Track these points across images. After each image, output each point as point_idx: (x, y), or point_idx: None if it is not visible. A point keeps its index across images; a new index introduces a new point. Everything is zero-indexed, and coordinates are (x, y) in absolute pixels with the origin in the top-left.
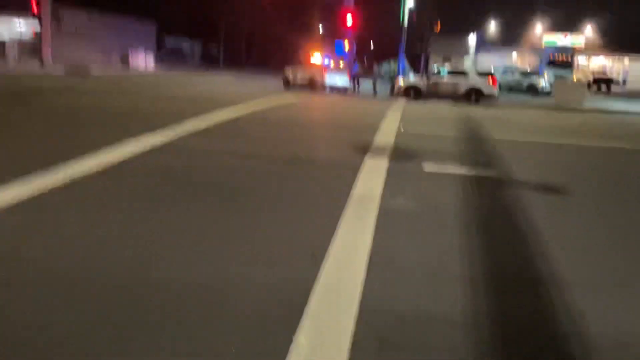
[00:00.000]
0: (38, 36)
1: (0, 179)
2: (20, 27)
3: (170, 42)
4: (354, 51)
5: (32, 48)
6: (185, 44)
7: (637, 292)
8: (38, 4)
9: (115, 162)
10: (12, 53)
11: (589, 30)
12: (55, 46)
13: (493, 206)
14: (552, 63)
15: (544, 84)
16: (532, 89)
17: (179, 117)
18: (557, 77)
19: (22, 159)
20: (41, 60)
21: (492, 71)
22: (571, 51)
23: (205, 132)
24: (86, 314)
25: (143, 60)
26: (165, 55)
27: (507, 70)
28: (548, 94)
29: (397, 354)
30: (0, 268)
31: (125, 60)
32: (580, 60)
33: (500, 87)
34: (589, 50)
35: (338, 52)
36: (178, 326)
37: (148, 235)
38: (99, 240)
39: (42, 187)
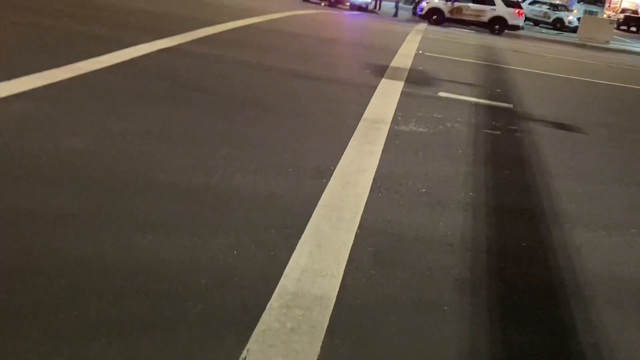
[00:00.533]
0: None
1: (13, 72)
2: None
3: None
4: None
5: None
6: None
7: (638, 230)
8: None
9: (125, 61)
10: None
11: None
12: None
13: (504, 137)
14: None
15: (572, 19)
16: (559, 24)
17: (192, 23)
18: (586, 13)
19: (36, 53)
20: None
21: (521, 1)
22: None
23: (218, 39)
24: (96, 209)
25: None
26: None
27: (535, 1)
28: (575, 29)
29: (392, 270)
30: (10, 155)
31: None
32: None
33: (525, 18)
34: None
35: None
36: (182, 226)
37: (153, 134)
38: (104, 135)
39: (53, 78)
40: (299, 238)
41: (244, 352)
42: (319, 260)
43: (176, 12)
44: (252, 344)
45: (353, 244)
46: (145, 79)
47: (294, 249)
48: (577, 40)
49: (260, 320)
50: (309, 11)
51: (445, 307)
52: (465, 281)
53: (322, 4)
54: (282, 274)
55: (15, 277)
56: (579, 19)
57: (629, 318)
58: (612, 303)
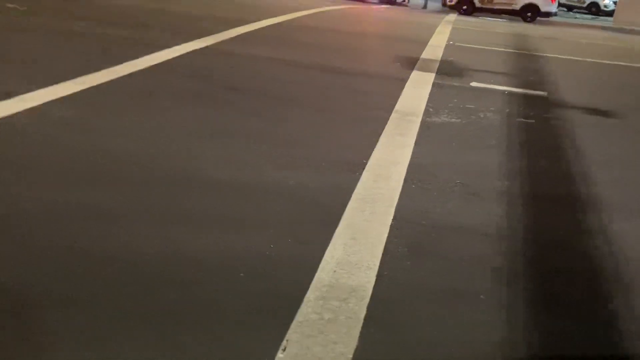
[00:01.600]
0: None
1: (56, 76)
2: None
3: None
4: None
5: None
6: None
7: None
8: None
9: (161, 62)
10: None
11: None
12: None
13: (539, 125)
14: None
15: (608, 2)
16: (594, 8)
17: (225, 23)
18: None
19: (73, 59)
20: None
21: None
22: None
23: (249, 38)
24: (136, 204)
25: None
26: None
27: None
28: (611, 13)
29: (427, 261)
30: (55, 156)
31: None
32: None
33: (558, 4)
34: None
35: None
36: (218, 220)
37: (189, 132)
38: (143, 135)
39: (92, 83)
40: (334, 231)
41: (284, 342)
42: (354, 253)
43: (206, 13)
44: (291, 334)
45: (388, 236)
46: (180, 79)
47: (329, 241)
48: (613, 25)
49: (299, 311)
50: (338, 7)
51: (481, 296)
52: (502, 270)
53: None
54: (318, 267)
55: (62, 270)
56: (615, 2)
57: None
58: None
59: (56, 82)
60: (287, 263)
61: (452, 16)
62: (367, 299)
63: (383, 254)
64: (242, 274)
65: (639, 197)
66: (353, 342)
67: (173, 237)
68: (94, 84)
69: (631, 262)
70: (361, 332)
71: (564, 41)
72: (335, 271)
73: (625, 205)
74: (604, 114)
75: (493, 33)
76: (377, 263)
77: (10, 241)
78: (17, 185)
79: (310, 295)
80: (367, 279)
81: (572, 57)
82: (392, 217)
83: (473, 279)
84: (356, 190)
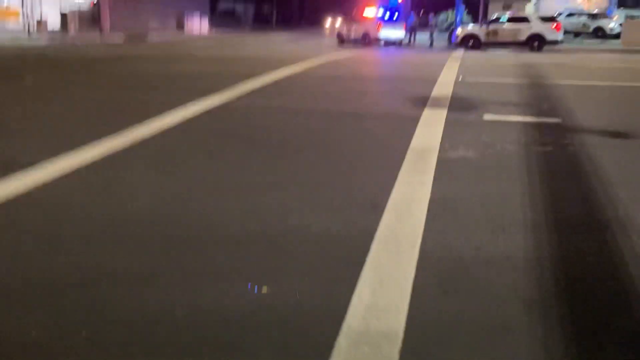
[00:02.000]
0: (97, 6)
1: (77, 142)
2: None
3: (223, 4)
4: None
5: (91, 18)
6: (239, 6)
7: None
8: None
9: (178, 122)
10: (73, 24)
11: None
12: (112, 15)
13: (556, 152)
14: (623, 2)
15: (613, 26)
16: (600, 32)
17: (236, 77)
18: (628, 18)
19: (92, 123)
20: (100, 29)
21: (556, 15)
22: None
23: (262, 90)
24: (159, 260)
25: (198, 24)
26: (219, 18)
27: (571, 13)
28: (618, 36)
29: (458, 298)
30: (83, 222)
31: (180, 25)
32: None
33: (564, 31)
34: None
35: (392, 3)
36: (244, 275)
37: (211, 188)
38: (166, 195)
39: (114, 147)
40: (360, 274)
41: None
42: (382, 296)
43: (217, 71)
44: None
45: (415, 275)
46: (198, 136)
47: (356, 285)
48: (621, 47)
49: (330, 359)
50: (345, 53)
51: (516, 330)
52: (534, 301)
53: (357, 44)
54: (346, 312)
55: (92, 338)
56: (620, 25)
57: None
58: None
59: (76, 148)
60: (315, 311)
61: (459, 52)
62: (400, 344)
63: (412, 295)
64: (270, 326)
65: None
66: None
67: (204, 296)
68: (114, 147)
69: None
70: None
71: (573, 67)
72: (364, 316)
73: None
74: (620, 135)
75: (501, 65)
76: (407, 305)
77: (44, 310)
78: (43, 253)
79: (341, 342)
80: (398, 323)
81: (583, 83)
82: (417, 256)
83: (506, 312)
84: (379, 231)
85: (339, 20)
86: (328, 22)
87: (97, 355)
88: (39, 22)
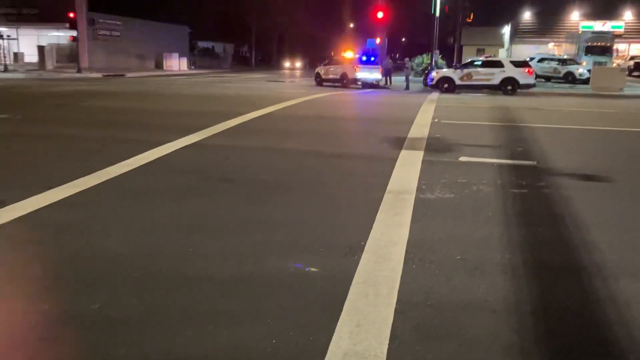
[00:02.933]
0: (75, 42)
1: (49, 183)
2: (58, 34)
3: (202, 44)
4: (386, 46)
5: (70, 54)
6: (218, 47)
7: None
8: (75, 12)
9: (154, 159)
10: (50, 58)
11: (629, 15)
12: (91, 52)
13: (532, 194)
14: (590, 50)
15: (582, 71)
16: (570, 77)
17: (213, 118)
18: (595, 64)
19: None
20: (79, 66)
21: (528, 60)
22: (610, 36)
23: (240, 130)
24: (136, 307)
25: (177, 63)
26: (198, 58)
27: (543, 58)
28: (587, 81)
29: (437, 343)
30: (52, 260)
31: (159, 64)
32: (621, 46)
33: (536, 76)
34: (630, 35)
35: (369, 46)
36: (221, 318)
37: (185, 228)
38: (139, 232)
39: (85, 185)
40: (338, 319)
41: None
42: (360, 341)
43: (196, 109)
44: None
45: (393, 320)
46: (172, 175)
47: (334, 330)
48: (590, 91)
49: None
50: (323, 94)
51: None
52: (514, 347)
53: (336, 85)
54: (324, 359)
55: None
56: (589, 71)
57: None
58: None
59: (50, 188)
60: (291, 357)
61: (435, 95)
62: None
63: (390, 340)
64: None
65: (636, 259)
66: None
67: (178, 340)
68: (88, 186)
69: None
70: None
71: (547, 110)
72: None
73: (632, 268)
74: (594, 178)
75: (476, 108)
76: (385, 350)
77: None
78: (10, 295)
79: None
80: None
81: (556, 125)
82: (396, 300)
83: (486, 358)
84: (357, 274)
85: (319, 64)
86: (306, 63)
87: None
88: (16, 55)
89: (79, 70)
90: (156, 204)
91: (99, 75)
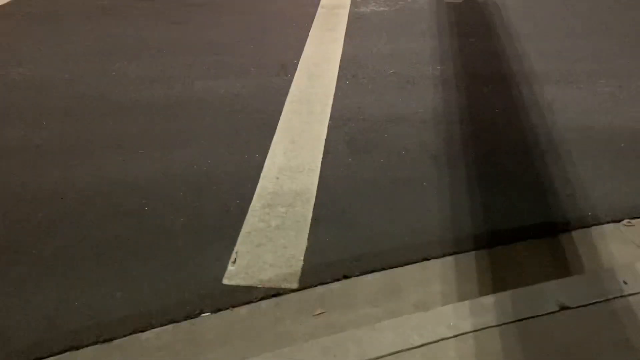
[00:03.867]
0: None
1: None
2: None
3: None
4: None
5: None
6: None
7: (607, 82)
8: None
9: None
10: None
11: None
12: None
13: (467, 5)
14: None
15: None
16: None
17: None
18: None
19: None
20: None
21: None
22: None
23: None
24: (61, 135)
25: None
26: None
27: None
28: None
29: (368, 155)
30: None
31: None
32: None
33: None
34: None
35: None
36: (153, 141)
37: (106, 51)
38: (54, 59)
39: None
40: (272, 137)
41: (233, 255)
42: (295, 157)
43: None
44: (240, 245)
45: (327, 136)
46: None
47: (269, 148)
48: None
49: (245, 222)
50: None
51: (424, 183)
52: (442, 155)
53: None
54: (260, 175)
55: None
56: None
57: (602, 167)
58: (586, 154)
59: None
60: (227, 176)
61: None
62: (313, 201)
63: (324, 154)
64: (182, 194)
65: (570, 65)
66: (303, 244)
67: (108, 166)
68: None
69: (564, 128)
70: (310, 234)
71: None
72: (278, 178)
73: (557, 74)
74: None
75: None
76: (319, 164)
77: None
78: None
79: (255, 204)
80: (310, 181)
81: None
82: (329, 116)
83: (415, 167)
84: (290, 93)
85: None
86: None
87: (6, 229)
88: None
89: None
90: (70, 28)
91: None
